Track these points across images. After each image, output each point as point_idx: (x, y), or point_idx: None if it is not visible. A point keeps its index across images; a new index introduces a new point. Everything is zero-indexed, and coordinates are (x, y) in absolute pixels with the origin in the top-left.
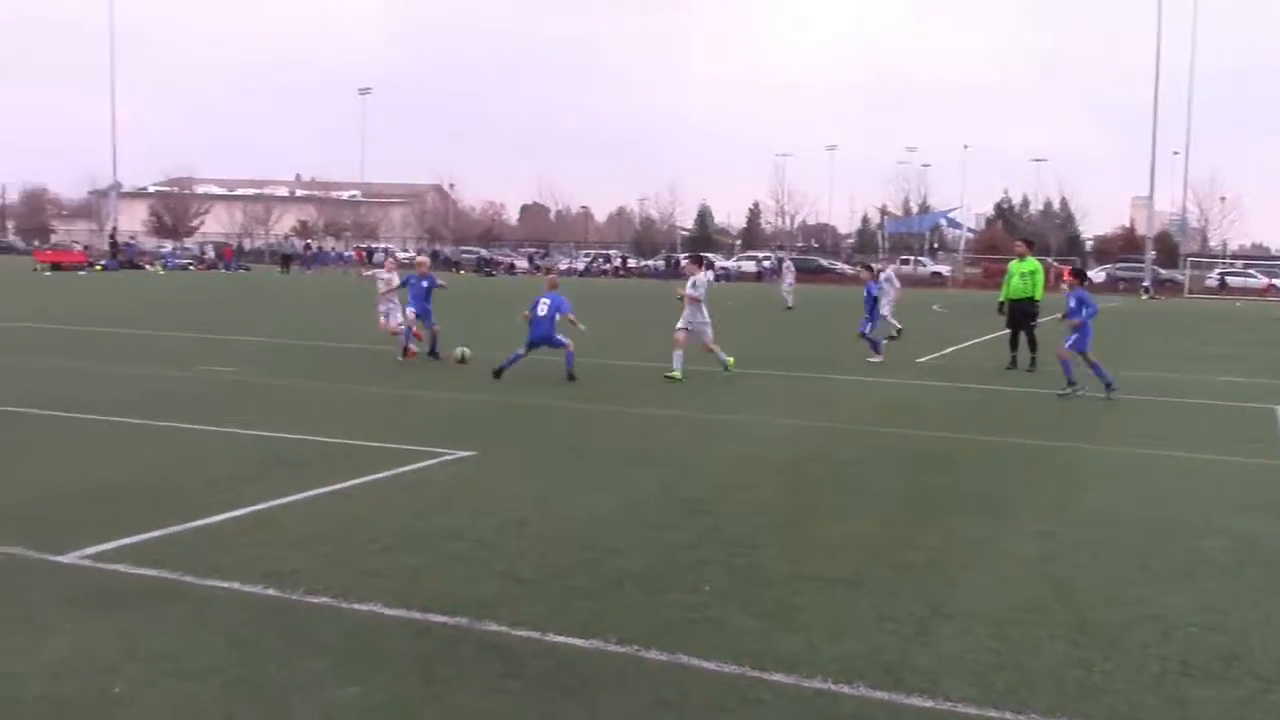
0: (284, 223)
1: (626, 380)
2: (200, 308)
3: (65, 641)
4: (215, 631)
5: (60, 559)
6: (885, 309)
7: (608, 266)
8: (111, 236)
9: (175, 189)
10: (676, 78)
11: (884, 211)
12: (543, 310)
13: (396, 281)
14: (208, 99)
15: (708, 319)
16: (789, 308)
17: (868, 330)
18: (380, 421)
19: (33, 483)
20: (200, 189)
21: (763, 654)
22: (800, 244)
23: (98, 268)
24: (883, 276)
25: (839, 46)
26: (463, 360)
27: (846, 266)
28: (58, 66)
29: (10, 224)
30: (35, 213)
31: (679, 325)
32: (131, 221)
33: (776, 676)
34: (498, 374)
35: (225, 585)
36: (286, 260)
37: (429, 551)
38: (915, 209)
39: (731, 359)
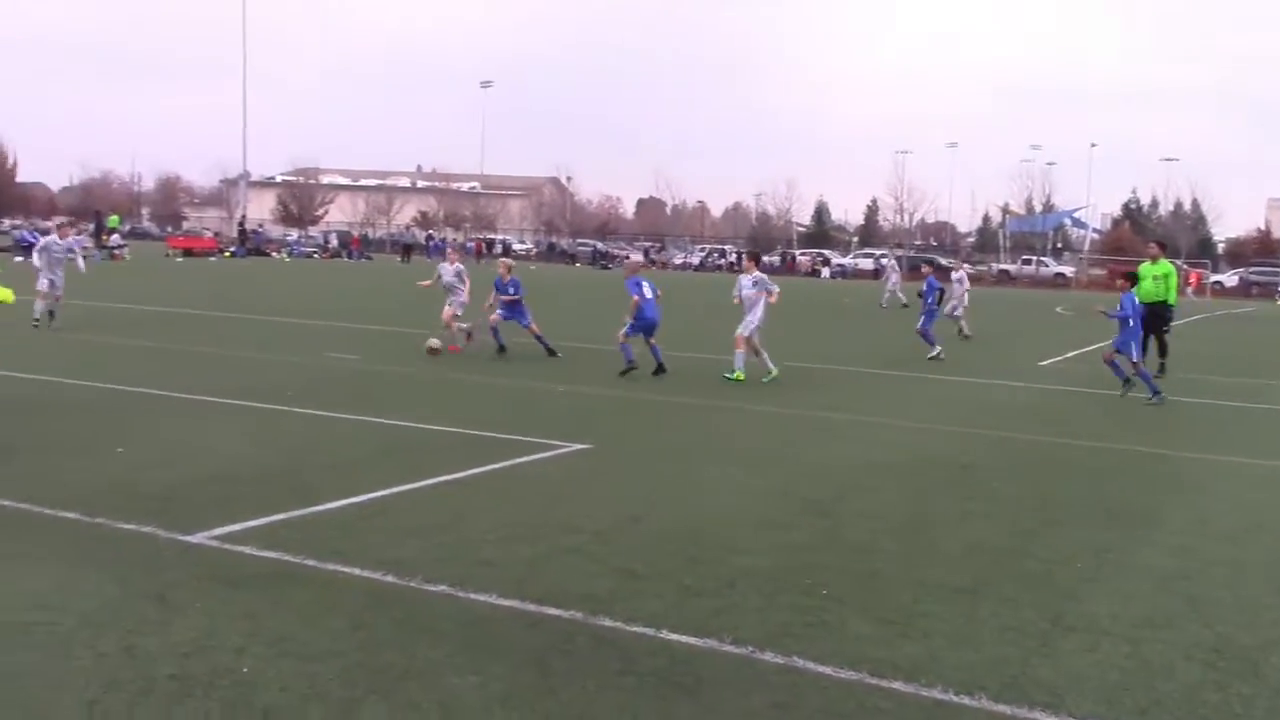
0: (405, 213)
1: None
2: (324, 295)
3: (195, 620)
4: (337, 616)
5: (189, 539)
6: (952, 309)
7: (723, 262)
8: (240, 224)
9: (301, 179)
10: (795, 71)
11: (1006, 210)
12: (649, 293)
13: (449, 274)
14: (335, 91)
15: (758, 319)
16: (904, 305)
17: (923, 324)
18: (498, 412)
19: (164, 464)
20: (325, 179)
21: (881, 661)
22: (918, 242)
23: (226, 254)
24: (954, 276)
25: (963, 40)
26: (434, 351)
27: (967, 266)
28: (194, 61)
29: (146, 211)
30: (169, 200)
31: (739, 329)
32: (259, 210)
33: (895, 684)
34: (625, 373)
35: (346, 570)
36: (407, 250)
37: (544, 544)
38: (1039, 208)
39: (776, 371)
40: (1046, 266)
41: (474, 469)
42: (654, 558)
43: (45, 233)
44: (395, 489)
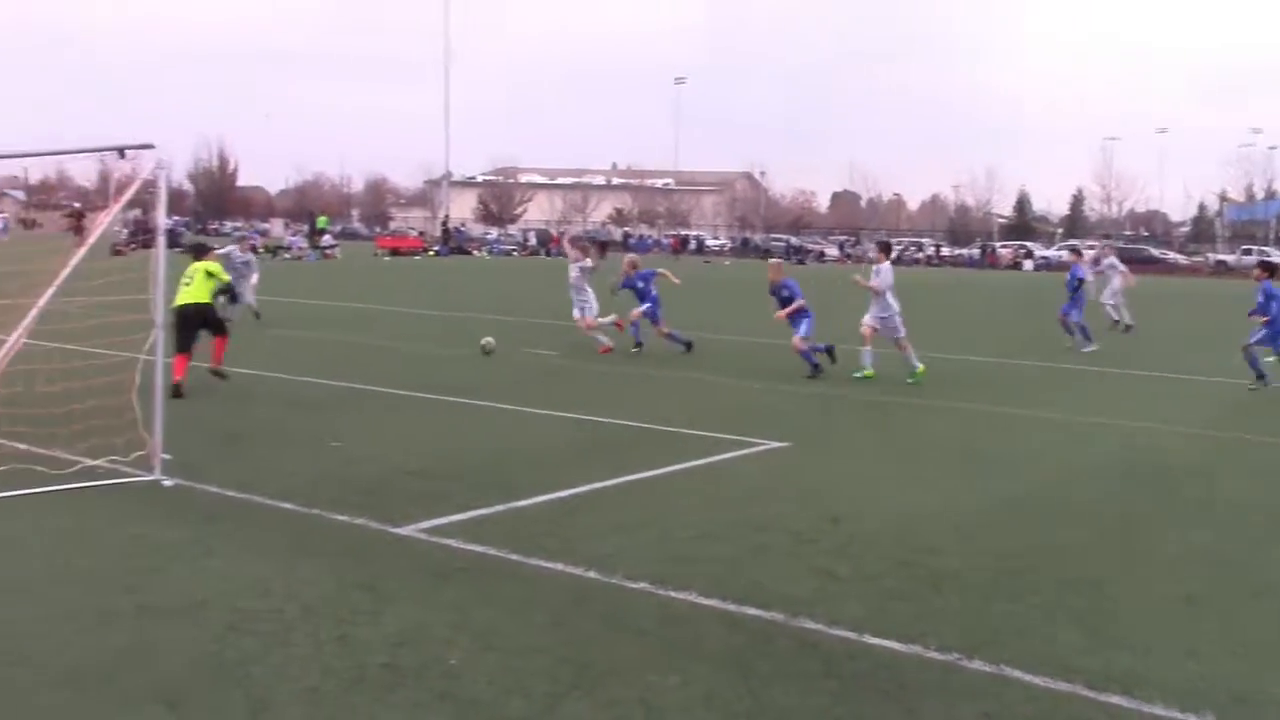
0: (600, 210)
1: (941, 375)
2: (523, 292)
3: (405, 611)
4: (540, 610)
5: (399, 531)
6: (1108, 297)
7: (920, 255)
8: (444, 223)
9: (501, 178)
10: (996, 57)
11: (1223, 197)
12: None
13: (583, 267)
14: (533, 90)
15: (897, 311)
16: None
17: (1071, 316)
18: (696, 408)
19: (374, 458)
20: (524, 178)
21: (1096, 672)
22: (1128, 232)
23: (431, 253)
24: (1105, 263)
25: (1174, 21)
26: (487, 352)
27: (1180, 257)
28: (399, 64)
29: (355, 211)
30: (377, 201)
31: (865, 319)
32: (461, 209)
33: (1113, 699)
34: (818, 369)
35: (549, 566)
36: (603, 247)
37: (743, 542)
38: (1260, 195)
39: (922, 368)
40: (1268, 256)
41: (672, 466)
42: (855, 559)
43: (263, 234)
44: (595, 485)
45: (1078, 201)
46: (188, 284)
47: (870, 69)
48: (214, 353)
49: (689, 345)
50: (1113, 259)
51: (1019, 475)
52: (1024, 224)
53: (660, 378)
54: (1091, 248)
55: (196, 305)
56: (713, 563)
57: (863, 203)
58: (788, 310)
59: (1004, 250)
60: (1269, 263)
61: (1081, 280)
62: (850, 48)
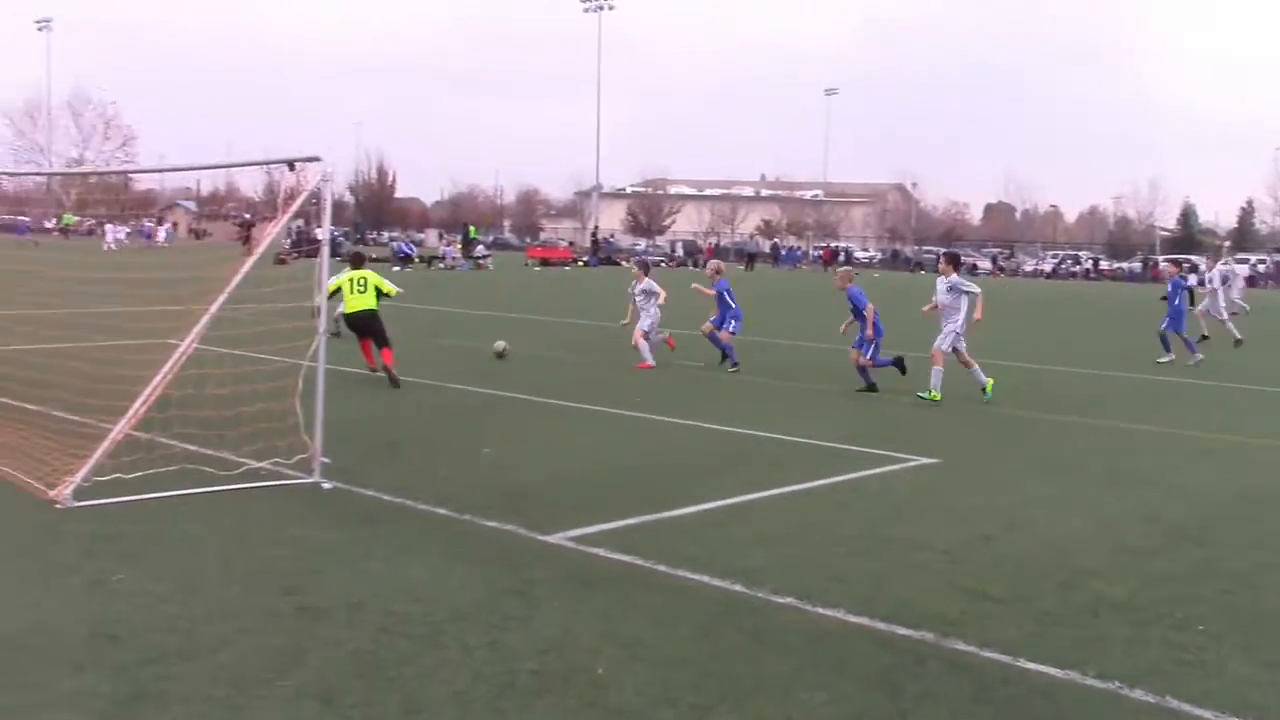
0: (749, 222)
1: (1094, 391)
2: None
3: (554, 619)
4: (687, 622)
5: (547, 539)
6: (1217, 306)
7: (1077, 269)
8: (593, 234)
9: (650, 189)
10: (1158, 68)
11: None
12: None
13: (644, 290)
14: (684, 103)
15: (958, 328)
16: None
17: (1165, 327)
18: (843, 423)
19: (524, 465)
20: (673, 189)
21: (1269, 708)
22: None
23: (580, 263)
24: (1215, 271)
25: None
26: (501, 355)
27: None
28: (551, 77)
29: (507, 222)
30: (528, 212)
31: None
32: (610, 220)
33: None
34: (901, 367)
35: (695, 577)
36: (751, 259)
37: (892, 560)
38: None
39: (991, 381)
40: None
41: (819, 480)
42: (1008, 580)
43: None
44: (742, 497)
45: (1247, 213)
46: (361, 292)
47: (1027, 78)
48: (384, 360)
49: (736, 365)
50: (1222, 269)
51: (1179, 496)
52: (1189, 236)
53: (807, 391)
54: (1181, 261)
55: (366, 312)
56: (861, 580)
57: (1017, 214)
58: (867, 325)
59: (1167, 264)
60: None
61: (1188, 291)
62: (1006, 57)
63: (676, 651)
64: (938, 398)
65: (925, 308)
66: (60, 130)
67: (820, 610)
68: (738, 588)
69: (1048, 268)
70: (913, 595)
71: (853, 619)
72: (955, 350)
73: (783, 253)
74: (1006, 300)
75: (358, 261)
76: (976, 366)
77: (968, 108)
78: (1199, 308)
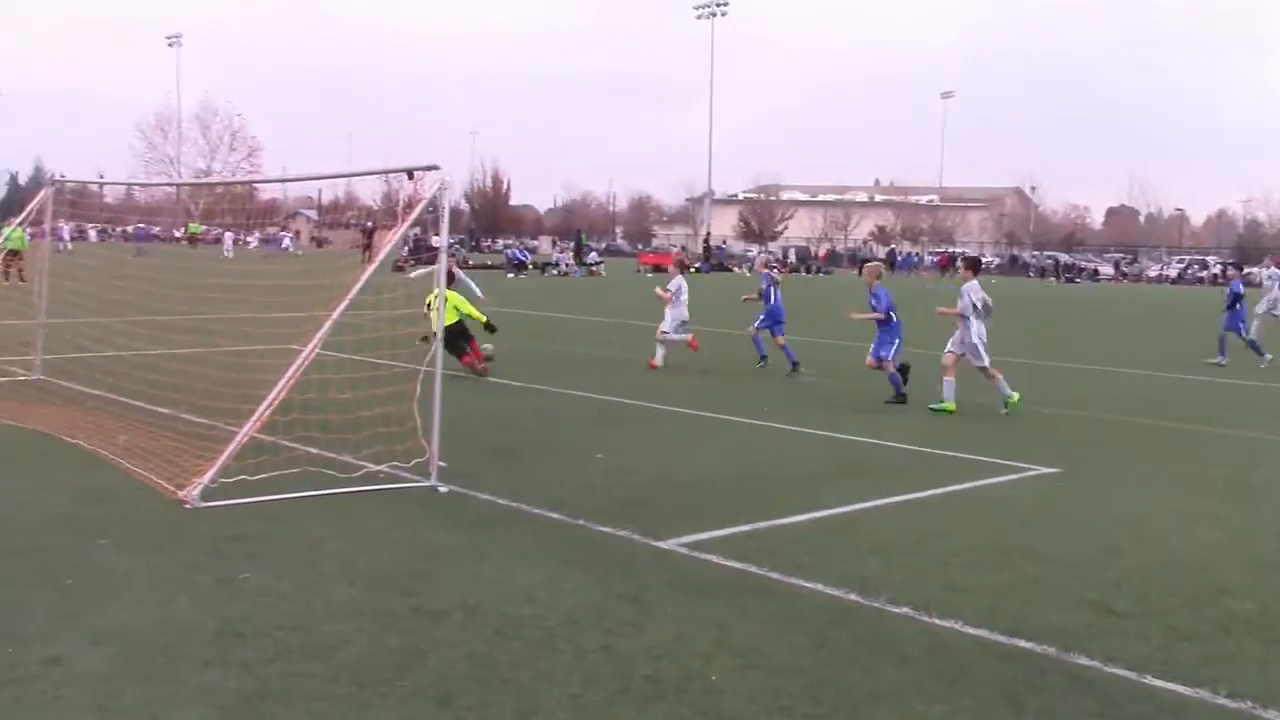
0: (862, 227)
1: (1214, 398)
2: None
3: (667, 625)
4: (800, 630)
5: (661, 544)
6: (1265, 310)
7: (1204, 274)
8: (705, 240)
9: (762, 195)
10: None
11: None
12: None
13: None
14: (797, 108)
15: (980, 339)
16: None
17: (1238, 330)
18: (959, 431)
19: (638, 471)
20: (785, 195)
21: None
22: None
23: (692, 270)
24: (1266, 274)
25: None
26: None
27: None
28: (664, 83)
29: (619, 229)
30: (640, 218)
31: (947, 348)
32: (722, 226)
33: None
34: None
35: (809, 585)
36: (864, 264)
37: (1012, 571)
38: None
39: (1016, 395)
40: None
41: (935, 489)
42: (1134, 594)
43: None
44: (857, 505)
45: None
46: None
47: (1151, 76)
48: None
49: (795, 365)
50: (1275, 270)
51: None
52: None
53: (923, 398)
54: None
55: (449, 326)
56: (980, 590)
57: (1141, 218)
58: (865, 315)
59: (1232, 269)
60: None
61: (1239, 295)
62: (1130, 56)
63: (790, 660)
64: (950, 409)
65: (944, 309)
66: (189, 142)
67: (937, 621)
68: (852, 596)
69: (1173, 273)
70: (1034, 608)
71: (971, 630)
72: (982, 369)
73: (899, 258)
74: (1126, 306)
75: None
76: (1001, 378)
77: (1089, 108)
78: (1258, 309)
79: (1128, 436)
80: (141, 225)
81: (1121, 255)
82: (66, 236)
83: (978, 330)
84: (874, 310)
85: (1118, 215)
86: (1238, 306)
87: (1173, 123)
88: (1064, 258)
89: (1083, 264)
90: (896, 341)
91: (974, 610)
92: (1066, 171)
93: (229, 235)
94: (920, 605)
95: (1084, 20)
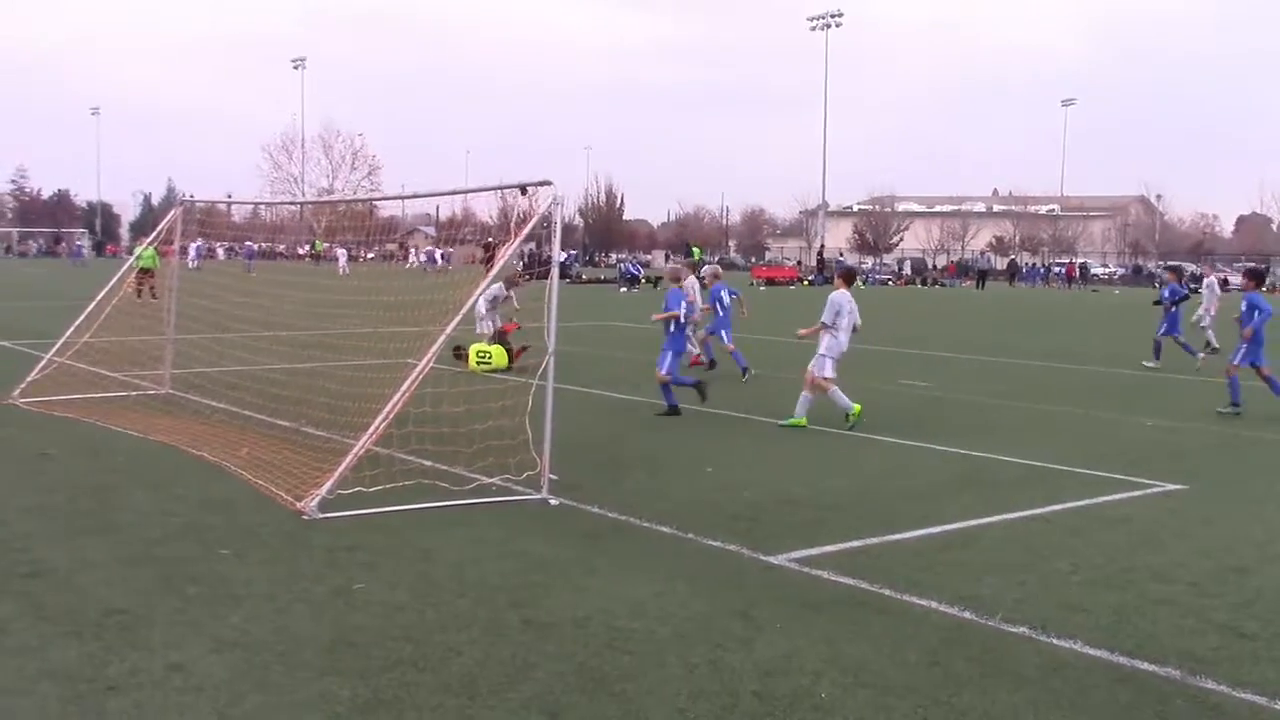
0: (980, 238)
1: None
2: (899, 322)
3: (776, 640)
4: (912, 649)
5: (771, 559)
6: (1198, 318)
7: None
8: (819, 253)
9: (877, 207)
10: None
11: None
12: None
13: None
14: (912, 118)
15: (829, 353)
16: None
17: (1168, 333)
18: (1077, 445)
19: (748, 485)
20: (900, 206)
21: None
22: None
23: (805, 282)
24: (1205, 283)
25: None
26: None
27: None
28: (777, 97)
29: (733, 242)
30: (753, 232)
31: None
32: (837, 238)
33: None
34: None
35: (922, 603)
36: (982, 276)
37: (1135, 591)
38: None
39: (857, 407)
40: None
41: (1054, 505)
42: (1265, 616)
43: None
44: (972, 522)
45: None
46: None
47: None
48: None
49: (745, 370)
50: (1211, 278)
51: None
52: None
53: (1040, 412)
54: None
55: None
56: (1100, 611)
57: (1274, 226)
58: (660, 316)
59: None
60: (1258, 270)
61: (1178, 299)
62: (1259, 59)
63: (902, 679)
64: (800, 423)
65: (803, 331)
66: (312, 162)
67: (1055, 641)
68: (967, 615)
69: None
70: (1157, 629)
71: (1091, 651)
72: (823, 377)
73: (1023, 269)
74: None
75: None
76: (836, 389)
77: (1218, 113)
78: (1192, 317)
79: (1256, 451)
80: (250, 244)
81: (1254, 264)
82: (195, 254)
83: (829, 343)
84: (666, 309)
85: (1249, 223)
86: (1175, 309)
87: None
88: (1191, 267)
89: (1205, 273)
90: (671, 352)
91: (1094, 630)
92: (1194, 179)
93: (342, 253)
94: (1038, 625)
95: (1209, 23)
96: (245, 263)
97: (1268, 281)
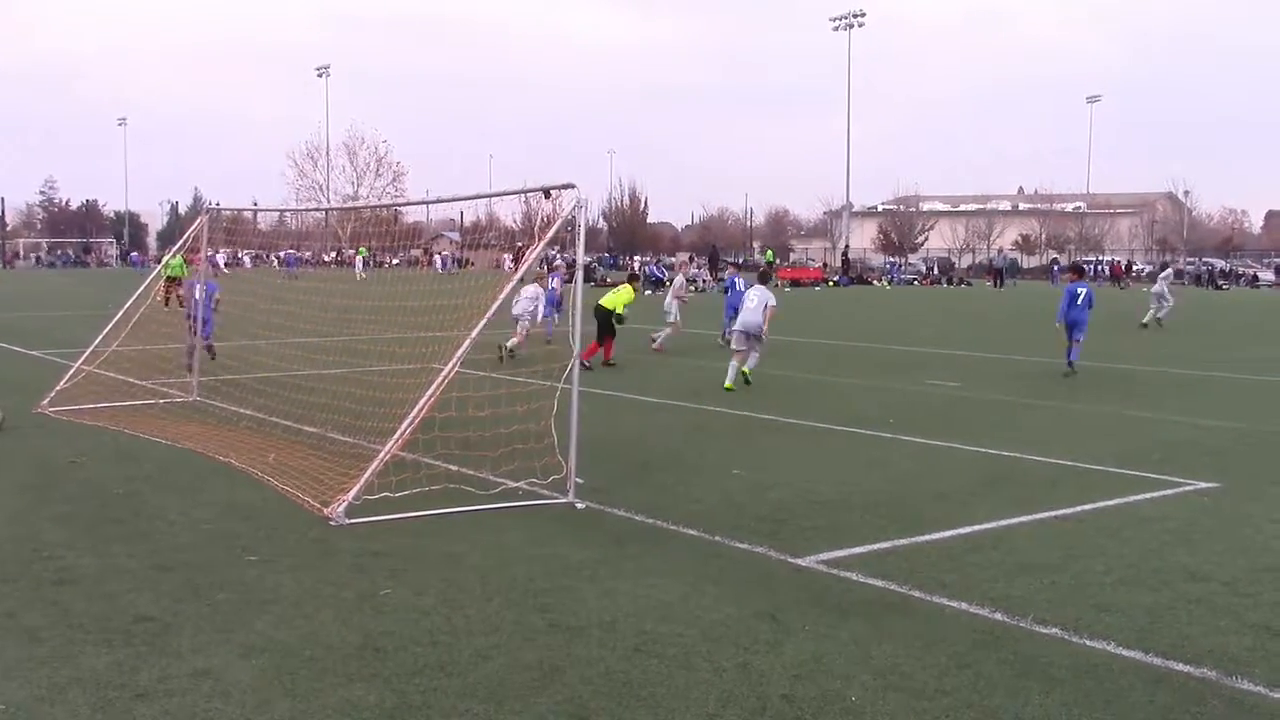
0: (1005, 237)
1: None
2: (925, 322)
3: (805, 643)
4: (942, 651)
5: (799, 561)
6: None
7: None
8: (844, 254)
9: (901, 207)
10: None
11: None
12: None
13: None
14: (936, 117)
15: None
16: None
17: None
18: (1107, 444)
19: (774, 487)
20: (925, 206)
21: None
22: None
23: (830, 283)
24: (1162, 275)
25: None
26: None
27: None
28: (800, 98)
29: (757, 244)
30: (778, 233)
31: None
32: (861, 239)
33: None
34: None
35: (952, 604)
36: (999, 275)
37: (1168, 591)
38: None
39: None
40: None
41: (1085, 505)
42: None
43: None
44: (1002, 522)
45: None
46: (614, 294)
47: None
48: (605, 351)
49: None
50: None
51: None
52: None
53: (1071, 411)
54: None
55: (604, 309)
56: (1133, 611)
57: None
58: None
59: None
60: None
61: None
62: None
63: (933, 681)
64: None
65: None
66: (337, 169)
67: (1088, 643)
68: (998, 616)
69: None
70: (1192, 629)
71: (1124, 653)
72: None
73: (1055, 268)
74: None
75: (631, 279)
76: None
77: (1246, 108)
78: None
79: None
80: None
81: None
82: (222, 262)
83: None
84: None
85: (1278, 218)
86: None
87: None
88: (1218, 263)
89: (1241, 270)
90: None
91: (1127, 632)
92: (1222, 175)
93: (359, 259)
94: (1070, 626)
95: (1235, 18)
96: (286, 270)
97: None
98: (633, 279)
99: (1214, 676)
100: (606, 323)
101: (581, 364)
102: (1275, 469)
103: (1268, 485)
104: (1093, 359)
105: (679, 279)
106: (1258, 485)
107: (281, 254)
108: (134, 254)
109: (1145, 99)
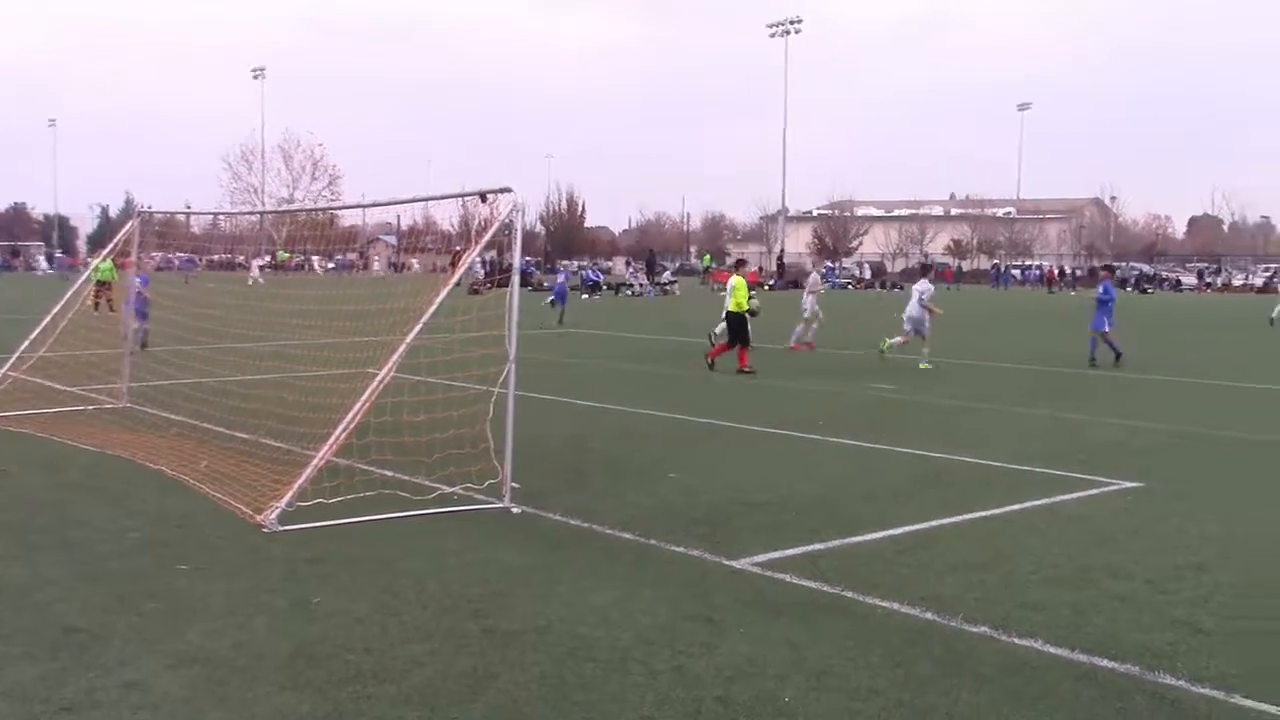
0: (938, 242)
1: None
2: (860, 325)
3: (739, 645)
4: (875, 651)
5: (733, 564)
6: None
7: None
8: (779, 258)
9: (836, 212)
10: None
11: None
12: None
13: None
14: (870, 124)
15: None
16: None
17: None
18: (1036, 445)
19: (710, 490)
20: (860, 211)
21: None
22: None
23: (766, 286)
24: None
25: None
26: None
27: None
28: (737, 104)
29: (693, 248)
30: (714, 238)
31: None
32: (796, 243)
33: None
34: None
35: (884, 604)
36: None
37: (1092, 589)
38: None
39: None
40: None
41: (1013, 505)
42: (1222, 612)
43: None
44: (932, 523)
45: None
46: (733, 294)
47: (1234, 82)
48: (739, 358)
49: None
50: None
51: None
52: None
53: (1000, 413)
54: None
55: (733, 313)
56: (1060, 609)
57: (1225, 227)
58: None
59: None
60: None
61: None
62: (1212, 62)
63: (866, 681)
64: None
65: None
66: (272, 172)
67: (1016, 640)
68: (929, 616)
69: (1259, 282)
70: (1116, 626)
71: (1051, 650)
72: None
73: (1001, 271)
74: (1212, 314)
75: (738, 266)
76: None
77: (1172, 116)
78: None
79: (1213, 449)
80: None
81: (1205, 265)
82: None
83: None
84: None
85: (1201, 224)
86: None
87: (1258, 129)
88: (1144, 268)
89: (1164, 274)
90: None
91: (1054, 629)
92: (1148, 182)
93: (255, 262)
94: (999, 624)
95: (1162, 26)
96: (184, 274)
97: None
98: (739, 264)
99: (1138, 672)
100: (742, 327)
101: (707, 363)
102: (1197, 469)
103: (1190, 484)
104: (1030, 362)
105: (814, 276)
106: (1180, 485)
107: (174, 257)
108: (57, 255)
109: (1075, 107)
